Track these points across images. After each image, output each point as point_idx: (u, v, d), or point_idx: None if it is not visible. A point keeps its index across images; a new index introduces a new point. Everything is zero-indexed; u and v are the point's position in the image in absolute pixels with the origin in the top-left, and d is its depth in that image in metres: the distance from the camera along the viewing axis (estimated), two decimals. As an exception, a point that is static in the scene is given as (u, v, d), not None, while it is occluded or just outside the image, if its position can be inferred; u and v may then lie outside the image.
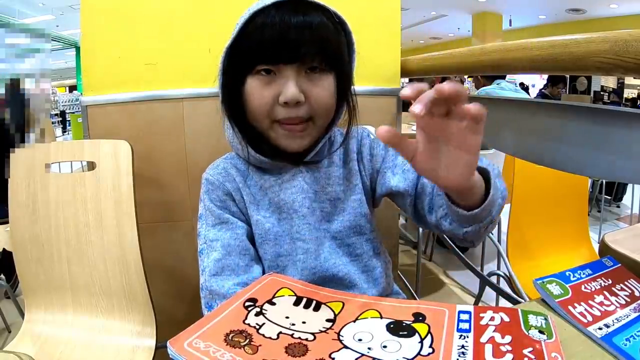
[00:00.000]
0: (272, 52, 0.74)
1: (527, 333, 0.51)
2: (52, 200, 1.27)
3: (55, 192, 1.27)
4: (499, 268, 2.40)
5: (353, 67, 0.87)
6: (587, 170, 0.88)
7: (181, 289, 1.49)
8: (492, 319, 0.51)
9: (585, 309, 0.60)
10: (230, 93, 0.82)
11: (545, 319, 0.54)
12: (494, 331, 0.49)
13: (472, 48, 1.02)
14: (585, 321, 0.58)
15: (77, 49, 17.71)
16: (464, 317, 0.50)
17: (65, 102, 14.63)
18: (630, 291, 0.66)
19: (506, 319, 0.52)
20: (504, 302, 2.41)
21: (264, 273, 0.84)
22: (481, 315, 0.51)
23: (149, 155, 1.38)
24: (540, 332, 0.51)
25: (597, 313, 0.60)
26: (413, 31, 16.03)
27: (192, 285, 1.51)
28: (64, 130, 12.66)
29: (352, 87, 0.87)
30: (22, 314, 1.81)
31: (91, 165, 1.29)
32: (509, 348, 0.47)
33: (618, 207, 4.94)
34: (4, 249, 2.18)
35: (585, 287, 0.66)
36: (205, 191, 0.89)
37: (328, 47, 0.77)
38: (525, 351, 0.47)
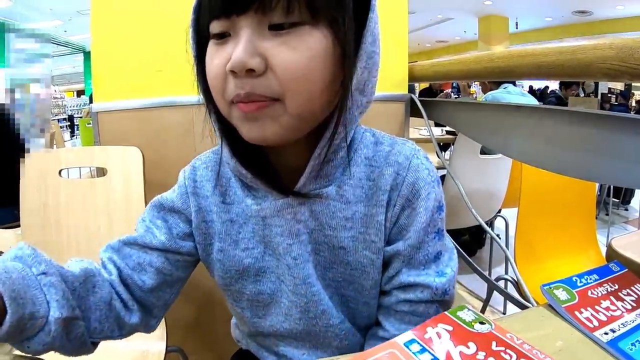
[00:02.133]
0: (220, 0, 0.52)
1: (475, 331, 0.51)
2: (63, 206, 1.29)
3: (66, 198, 1.29)
4: (506, 272, 2.39)
5: (368, 31, 0.55)
6: (594, 176, 0.88)
7: (190, 292, 1.49)
8: (438, 334, 0.50)
9: (592, 314, 0.60)
10: (203, 74, 0.59)
11: (468, 309, 0.55)
12: (454, 346, 0.48)
13: (480, 55, 1.03)
14: (592, 326, 0.58)
15: (85, 53, 17.87)
16: (414, 347, 0.49)
17: (73, 106, 14.77)
18: (636, 296, 0.66)
19: (448, 328, 0.51)
20: (511, 307, 2.41)
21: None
22: (426, 337, 0.50)
23: (159, 161, 1.40)
24: (481, 323, 0.52)
25: (603, 318, 0.60)
26: (419, 34, 16.03)
27: (202, 289, 1.53)
28: (72, 134, 12.78)
29: (359, 59, 0.55)
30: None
31: (101, 172, 1.31)
32: (483, 354, 0.47)
33: (626, 210, 4.92)
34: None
35: (591, 293, 0.66)
36: (173, 186, 0.72)
37: None
38: (494, 347, 0.48)
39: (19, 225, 2.18)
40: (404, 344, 0.48)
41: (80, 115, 13.99)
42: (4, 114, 2.61)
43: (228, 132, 0.61)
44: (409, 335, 0.50)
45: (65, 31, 13.66)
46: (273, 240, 0.64)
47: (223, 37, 0.54)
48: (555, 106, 0.96)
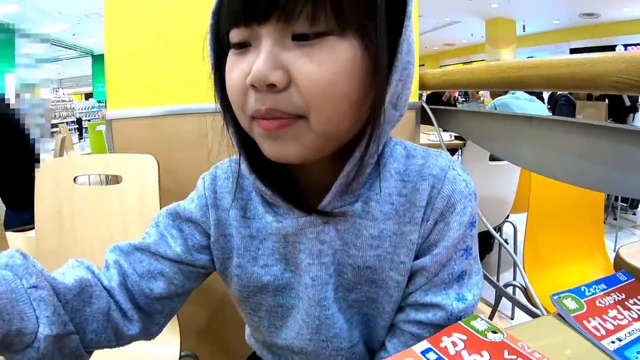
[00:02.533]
0: (239, 7, 0.48)
1: (488, 340, 0.52)
2: (77, 213, 1.31)
3: (81, 205, 1.31)
4: (514, 278, 2.40)
5: (404, 40, 0.51)
6: (602, 186, 0.89)
7: (204, 298, 1.51)
8: (454, 343, 0.51)
9: (599, 323, 0.61)
10: (221, 83, 0.56)
11: (481, 318, 0.56)
12: (468, 354, 0.50)
13: (490, 65, 1.04)
14: (599, 335, 0.59)
15: (93, 57, 18.01)
16: (431, 356, 0.49)
17: (82, 109, 14.89)
18: (642, 305, 0.68)
19: (462, 337, 0.53)
20: (519, 313, 2.41)
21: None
22: (441, 346, 0.51)
23: (172, 169, 1.41)
24: (494, 332, 0.53)
25: (610, 327, 0.61)
26: (427, 37, 16.04)
27: (215, 294, 1.54)
28: (81, 137, 12.88)
29: (395, 70, 0.50)
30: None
31: (114, 179, 1.32)
32: None
33: (634, 214, 4.90)
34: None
35: (599, 302, 0.67)
36: (190, 194, 0.69)
37: None
38: (506, 355, 0.49)
39: (29, 229, 2.21)
40: (421, 353, 0.50)
41: (88, 119, 14.11)
42: (15, 118, 2.64)
43: (247, 144, 0.57)
44: (425, 344, 0.51)
45: (73, 34, 13.78)
46: (294, 257, 0.61)
47: (243, 46, 0.50)
48: (564, 117, 0.98)
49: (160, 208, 1.23)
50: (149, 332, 0.66)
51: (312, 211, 0.57)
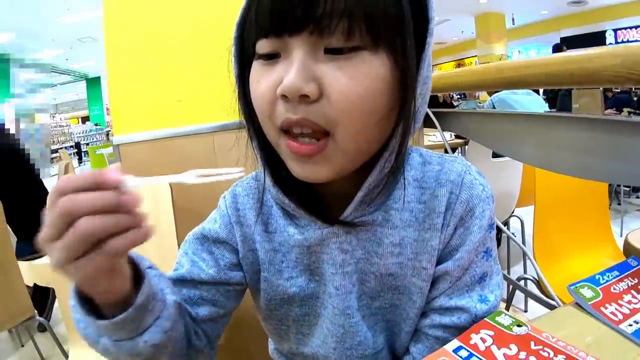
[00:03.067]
0: (270, 17, 0.47)
1: (514, 333, 0.55)
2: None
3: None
4: (525, 271, 2.41)
5: (426, 55, 0.53)
6: (604, 177, 0.92)
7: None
8: (482, 340, 0.54)
9: (616, 309, 0.64)
10: (245, 94, 0.57)
11: (505, 314, 0.59)
12: (497, 349, 0.52)
13: (488, 66, 1.06)
14: (617, 319, 0.62)
15: (88, 80, 18.06)
16: (463, 353, 0.52)
17: (79, 133, 14.92)
18: (654, 288, 0.71)
19: (490, 332, 0.55)
20: (532, 306, 2.43)
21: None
22: (471, 343, 0.53)
23: (183, 190, 1.41)
24: (519, 325, 0.56)
25: (627, 311, 0.64)
26: (417, 37, 16.05)
27: (236, 310, 1.54)
28: (80, 161, 12.91)
29: (416, 85, 0.52)
30: (59, 346, 1.87)
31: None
32: (524, 354, 0.51)
33: (638, 197, 4.91)
34: (34, 284, 2.25)
35: (614, 288, 0.70)
36: (211, 215, 0.70)
37: (372, 4, 0.46)
38: (532, 347, 0.52)
39: (37, 258, 2.22)
40: (453, 351, 0.52)
41: (87, 142, 14.13)
42: (17, 147, 2.66)
43: (270, 158, 0.58)
44: (455, 342, 0.54)
45: (67, 59, 13.83)
46: (317, 268, 0.62)
47: (271, 57, 0.50)
48: (563, 113, 1.00)
49: (177, 230, 1.26)
50: (209, 355, 0.67)
51: (334, 222, 0.58)
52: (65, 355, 1.43)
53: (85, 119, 19.30)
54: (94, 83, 18.31)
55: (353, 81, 0.47)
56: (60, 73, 15.56)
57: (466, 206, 0.58)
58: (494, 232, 0.62)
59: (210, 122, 1.45)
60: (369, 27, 0.46)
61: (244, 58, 0.55)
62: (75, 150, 13.63)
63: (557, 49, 6.20)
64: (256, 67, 0.52)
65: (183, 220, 1.37)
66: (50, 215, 0.40)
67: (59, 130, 13.82)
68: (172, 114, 1.45)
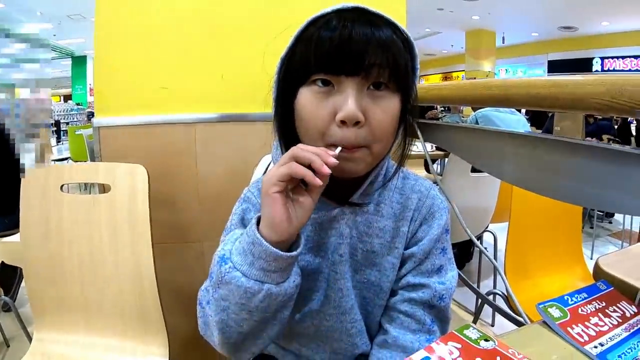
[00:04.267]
0: (332, 60, 0.64)
1: (481, 347, 0.56)
2: (65, 221, 1.29)
3: (69, 213, 1.29)
4: (494, 286, 2.44)
5: (414, 94, 0.74)
6: (581, 201, 0.93)
7: (193, 309, 1.50)
8: (449, 352, 0.55)
9: (582, 330, 0.66)
10: (283, 108, 0.71)
11: (473, 327, 0.60)
12: None
13: (476, 82, 1.07)
14: (583, 340, 0.64)
15: (74, 58, 17.75)
16: None
17: (60, 111, 14.63)
18: (621, 312, 0.72)
19: (457, 345, 0.56)
20: (499, 320, 2.46)
21: None
22: (438, 355, 0.54)
23: (160, 177, 1.41)
24: (486, 340, 0.57)
25: (593, 333, 0.65)
26: (407, 47, 16.16)
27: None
28: (59, 140, 12.65)
29: (411, 117, 0.74)
30: (23, 328, 1.84)
31: (102, 188, 1.31)
32: None
33: (610, 222, 5.02)
34: (2, 262, 2.19)
35: (582, 310, 0.71)
36: (240, 207, 0.80)
37: (396, 62, 0.66)
38: None
39: (8, 235, 2.16)
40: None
41: (67, 121, 13.88)
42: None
43: None
44: (422, 353, 0.54)
45: (54, 35, 13.57)
46: (324, 242, 0.78)
47: (326, 84, 0.66)
48: (544, 135, 1.01)
49: (150, 218, 1.25)
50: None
51: (345, 202, 0.76)
52: (29, 338, 1.40)
53: (67, 98, 18.94)
54: (79, 61, 17.99)
55: (384, 113, 0.67)
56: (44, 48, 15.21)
57: (429, 209, 0.79)
58: (449, 236, 0.81)
59: (193, 112, 1.45)
60: (394, 75, 0.66)
61: (289, 82, 0.70)
62: (55, 129, 13.35)
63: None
64: (309, 93, 0.67)
65: (158, 206, 1.37)
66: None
67: (39, 107, 13.48)
68: (156, 100, 1.45)
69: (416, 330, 0.75)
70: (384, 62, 0.64)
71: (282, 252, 0.61)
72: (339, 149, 0.64)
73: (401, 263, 0.79)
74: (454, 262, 0.80)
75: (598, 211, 4.44)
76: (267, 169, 1.07)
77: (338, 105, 0.64)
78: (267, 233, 0.61)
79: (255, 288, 0.61)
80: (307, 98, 0.67)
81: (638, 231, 4.09)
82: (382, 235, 0.78)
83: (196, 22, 1.44)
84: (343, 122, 0.64)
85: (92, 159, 1.85)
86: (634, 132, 6.37)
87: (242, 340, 0.69)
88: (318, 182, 0.59)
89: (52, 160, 5.54)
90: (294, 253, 0.62)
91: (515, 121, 3.38)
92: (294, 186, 0.63)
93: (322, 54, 0.64)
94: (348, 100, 0.63)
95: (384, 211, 0.79)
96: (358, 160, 0.68)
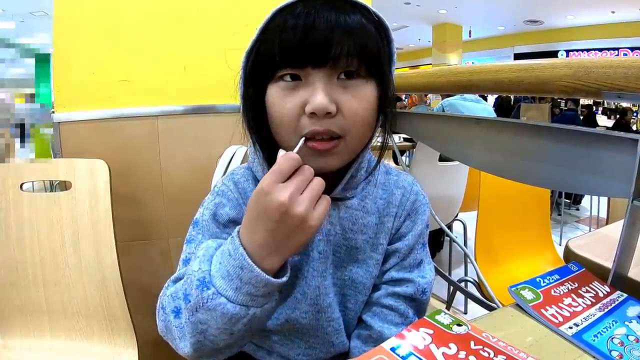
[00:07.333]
0: (295, 53, 0.61)
1: (453, 332, 0.55)
2: (25, 221, 1.24)
3: (29, 213, 1.25)
4: (466, 274, 2.46)
5: (392, 81, 0.71)
6: (548, 184, 0.94)
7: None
8: (422, 338, 0.54)
9: (556, 311, 0.66)
10: (252, 105, 0.69)
11: (445, 313, 0.60)
12: (437, 348, 0.52)
13: (442, 69, 1.07)
14: (557, 322, 0.64)
15: (37, 56, 17.28)
16: (401, 351, 0.51)
17: (23, 111, 14.22)
18: (594, 292, 0.73)
19: (429, 331, 0.55)
20: (472, 306, 2.48)
21: None
22: (410, 341, 0.53)
23: (123, 173, 1.38)
24: (458, 325, 0.57)
25: (567, 314, 0.66)
26: (376, 41, 16.21)
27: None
28: (23, 141, 12.31)
29: (390, 105, 0.70)
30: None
31: (63, 185, 1.27)
32: (464, 353, 0.51)
33: (577, 209, 5.15)
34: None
35: (554, 291, 0.71)
36: (213, 201, 0.76)
37: (365, 48, 0.63)
38: (472, 346, 0.52)
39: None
40: (391, 349, 0.51)
41: (32, 122, 13.49)
42: None
43: (269, 156, 0.72)
44: (394, 341, 0.53)
45: (16, 34, 13.17)
46: None
47: (293, 78, 0.64)
48: (511, 119, 1.02)
49: (113, 215, 1.22)
50: None
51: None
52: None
53: (33, 97, 18.42)
54: (43, 60, 17.51)
55: (358, 102, 0.64)
56: (7, 47, 14.81)
57: (412, 205, 0.79)
58: (428, 231, 0.82)
59: (154, 104, 1.41)
60: (366, 65, 0.63)
61: (256, 79, 0.67)
62: (19, 130, 12.98)
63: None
64: (277, 89, 0.65)
65: (121, 203, 1.33)
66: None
67: (1, 108, 13.14)
68: (117, 94, 1.41)
69: (399, 323, 0.75)
70: (351, 49, 0.61)
71: (274, 279, 0.57)
72: (302, 140, 0.62)
73: (384, 258, 0.78)
74: (430, 255, 0.82)
75: (565, 198, 4.54)
76: (231, 160, 1.06)
77: (307, 98, 0.62)
78: (265, 258, 0.57)
79: (242, 313, 0.57)
80: (275, 95, 0.65)
81: (605, 217, 4.20)
82: (366, 232, 0.77)
83: (156, 13, 1.40)
84: (313, 114, 0.62)
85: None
86: (599, 123, 6.56)
87: (216, 352, 0.65)
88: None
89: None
90: (285, 279, 0.59)
91: (481, 109, 3.42)
92: None
93: (286, 47, 0.62)
94: (316, 92, 0.61)
95: (369, 207, 0.78)
96: (333, 154, 0.66)
